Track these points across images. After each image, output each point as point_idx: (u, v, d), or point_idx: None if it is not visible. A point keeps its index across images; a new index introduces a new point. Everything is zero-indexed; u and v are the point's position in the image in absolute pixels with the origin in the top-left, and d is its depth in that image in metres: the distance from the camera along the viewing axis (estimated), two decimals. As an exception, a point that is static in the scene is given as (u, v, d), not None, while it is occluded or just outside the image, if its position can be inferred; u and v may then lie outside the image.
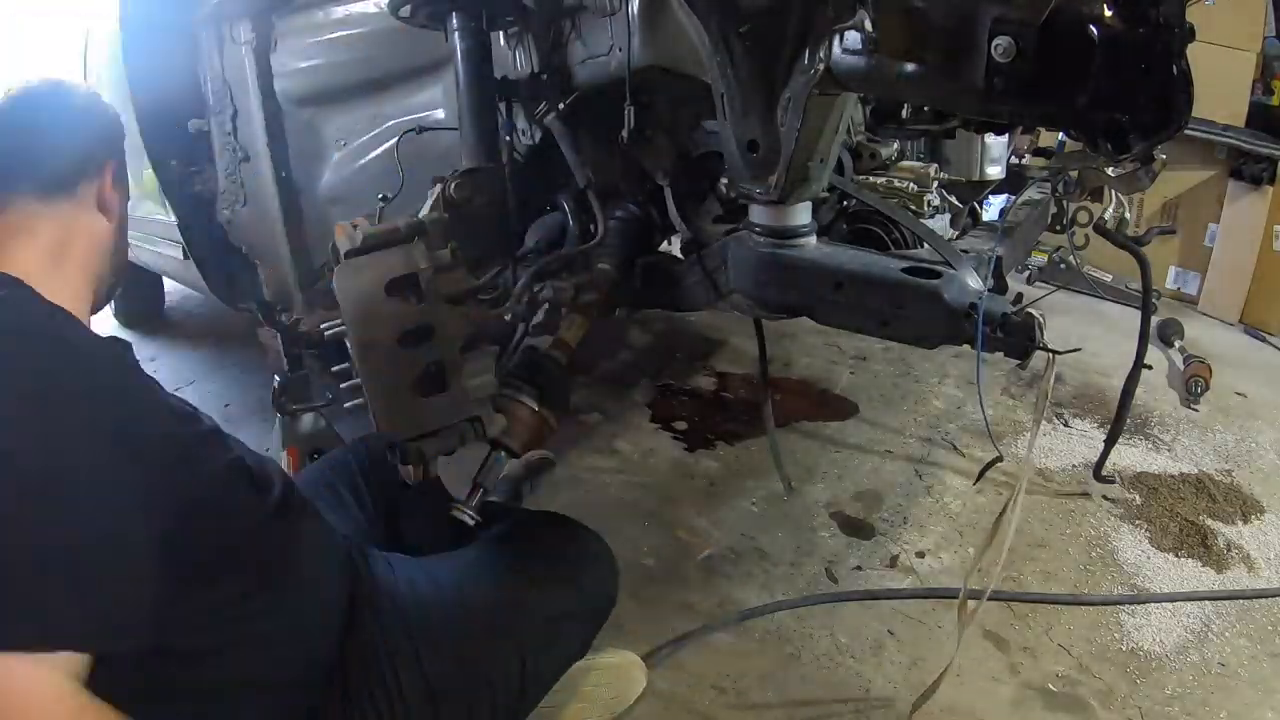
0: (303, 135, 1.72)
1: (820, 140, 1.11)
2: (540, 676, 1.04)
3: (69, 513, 0.63)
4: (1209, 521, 1.80)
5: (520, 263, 1.44)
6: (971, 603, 1.13)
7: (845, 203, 1.55)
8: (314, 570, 0.90)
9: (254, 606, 0.80)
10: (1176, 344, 2.63)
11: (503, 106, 1.42)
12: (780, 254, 1.26)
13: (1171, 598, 1.58)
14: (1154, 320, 1.94)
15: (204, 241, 1.81)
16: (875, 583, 1.64)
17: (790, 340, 2.72)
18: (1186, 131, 0.94)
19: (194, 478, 0.75)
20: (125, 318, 3.69)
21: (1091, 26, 0.77)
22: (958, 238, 1.92)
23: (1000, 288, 1.56)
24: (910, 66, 0.90)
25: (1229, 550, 1.71)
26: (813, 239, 1.28)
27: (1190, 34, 0.78)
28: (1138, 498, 1.89)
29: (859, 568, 1.69)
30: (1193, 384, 2.31)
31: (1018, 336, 1.07)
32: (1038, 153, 2.23)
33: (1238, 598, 1.58)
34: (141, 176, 1.93)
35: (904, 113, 1.38)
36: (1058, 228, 1.71)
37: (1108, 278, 3.17)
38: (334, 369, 1.13)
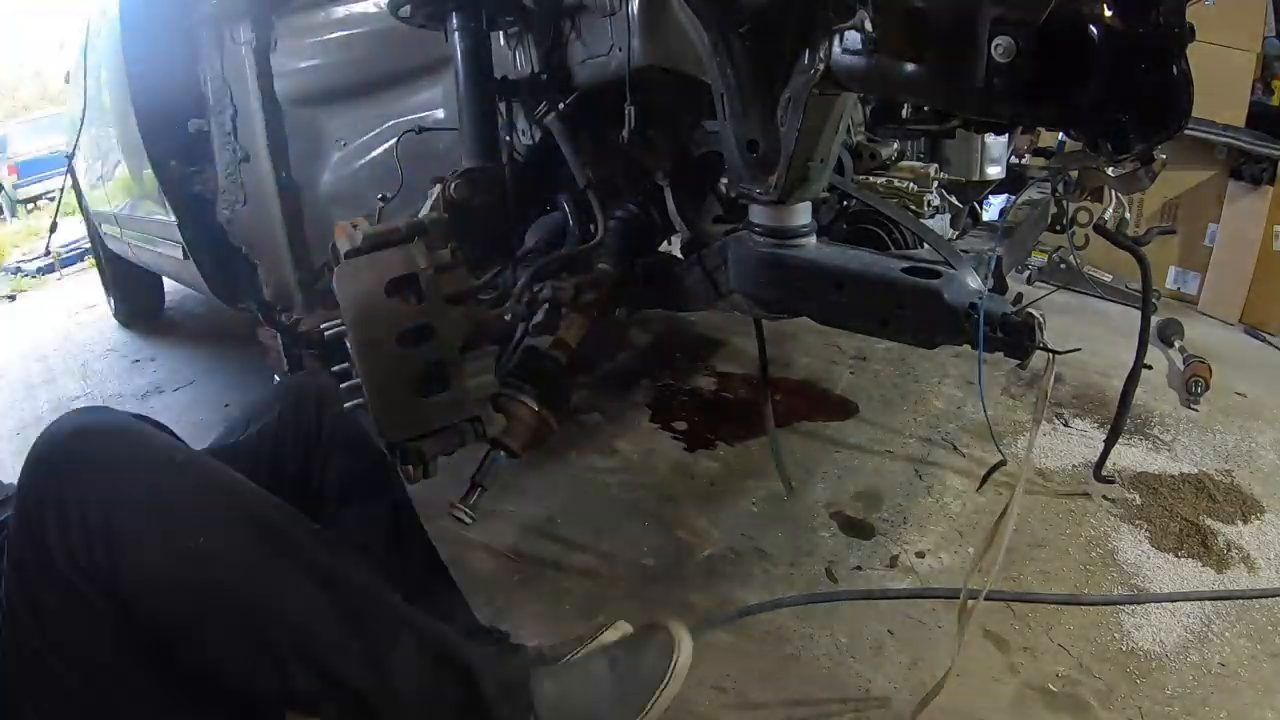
0: (303, 135, 1.72)
1: (820, 140, 1.11)
2: None
3: None
4: (1209, 521, 1.80)
5: (520, 263, 1.44)
6: (971, 602, 1.13)
7: (845, 203, 1.55)
8: None
9: None
10: (1176, 344, 2.63)
11: (503, 106, 1.42)
12: (780, 254, 1.26)
13: (1171, 598, 1.58)
14: (1154, 320, 1.94)
15: (204, 241, 1.82)
16: (875, 583, 1.64)
17: (790, 340, 2.73)
18: (1186, 131, 0.94)
19: None
20: (125, 318, 3.70)
21: (1091, 26, 0.77)
22: (958, 238, 1.91)
23: (1000, 288, 1.56)
24: (910, 66, 0.90)
25: (1229, 550, 1.71)
26: (813, 239, 1.28)
27: (1190, 34, 0.78)
28: (1138, 498, 1.89)
29: (859, 568, 1.69)
30: (1193, 384, 2.31)
31: (1018, 336, 1.07)
32: (1038, 153, 2.23)
33: (1238, 598, 1.58)
34: (141, 176, 1.94)
35: (904, 113, 1.38)
36: (1058, 228, 1.71)
37: (1108, 278, 3.17)
38: (334, 369, 1.13)
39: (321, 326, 1.06)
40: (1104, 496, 1.89)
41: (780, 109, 1.06)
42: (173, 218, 1.80)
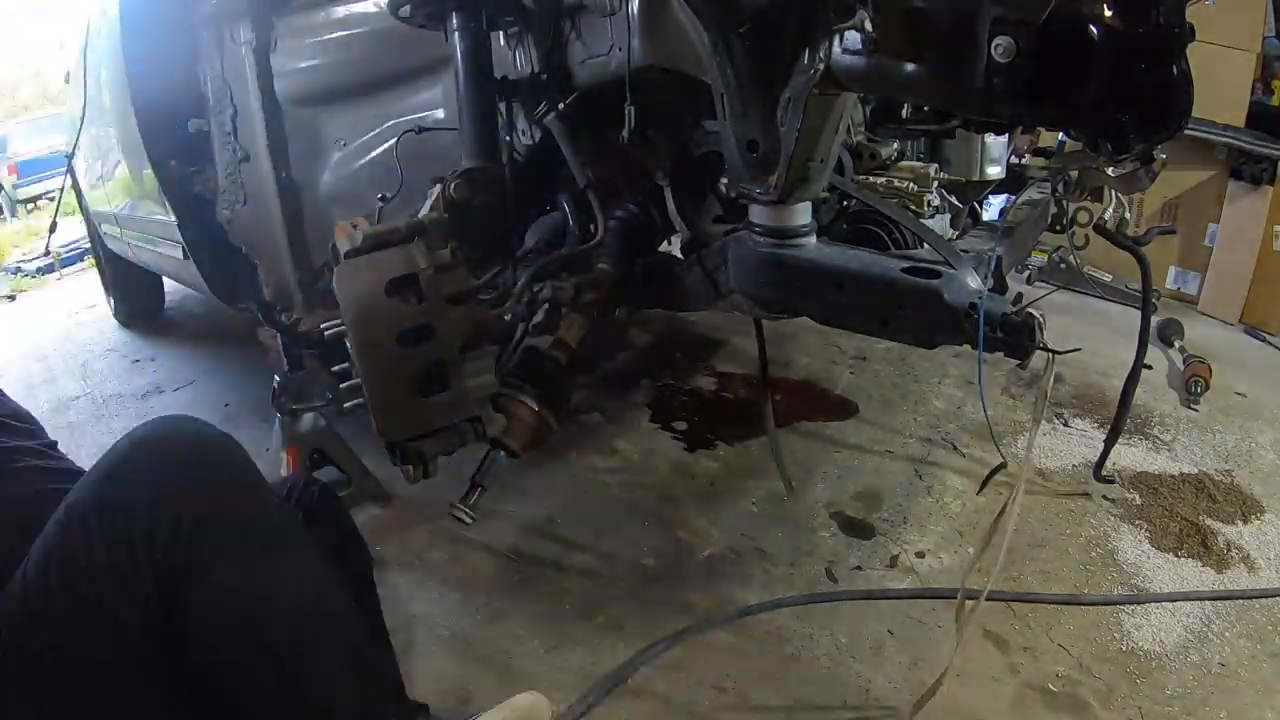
0: (303, 135, 1.72)
1: (820, 140, 1.11)
2: None
3: None
4: (1209, 521, 1.80)
5: (520, 263, 1.44)
6: (970, 602, 1.13)
7: (845, 203, 1.55)
8: None
9: None
10: (1176, 344, 2.63)
11: (503, 106, 1.42)
12: (780, 254, 1.26)
13: (1171, 598, 1.58)
14: (1154, 320, 1.94)
15: (204, 241, 1.81)
16: (875, 583, 1.64)
17: (790, 340, 2.73)
18: (1186, 131, 0.94)
19: None
20: (125, 318, 3.70)
21: (1091, 26, 0.77)
22: (958, 238, 1.91)
23: (1000, 288, 1.56)
24: (910, 66, 0.90)
25: (1229, 550, 1.71)
26: (813, 239, 1.28)
27: (1190, 34, 0.78)
28: (1138, 498, 1.89)
29: (859, 568, 1.69)
30: (1193, 384, 2.31)
31: (1018, 336, 1.07)
32: (1038, 153, 2.23)
33: (1238, 598, 1.58)
34: (141, 176, 1.94)
35: (904, 113, 1.38)
36: (1058, 228, 1.71)
37: (1108, 278, 3.17)
38: (334, 369, 1.13)
39: (321, 326, 1.06)
40: (1104, 496, 1.89)
41: (780, 109, 1.06)
42: (173, 218, 1.80)
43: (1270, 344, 2.82)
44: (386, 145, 1.65)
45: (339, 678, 0.92)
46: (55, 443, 1.13)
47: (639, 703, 1.36)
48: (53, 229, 3.57)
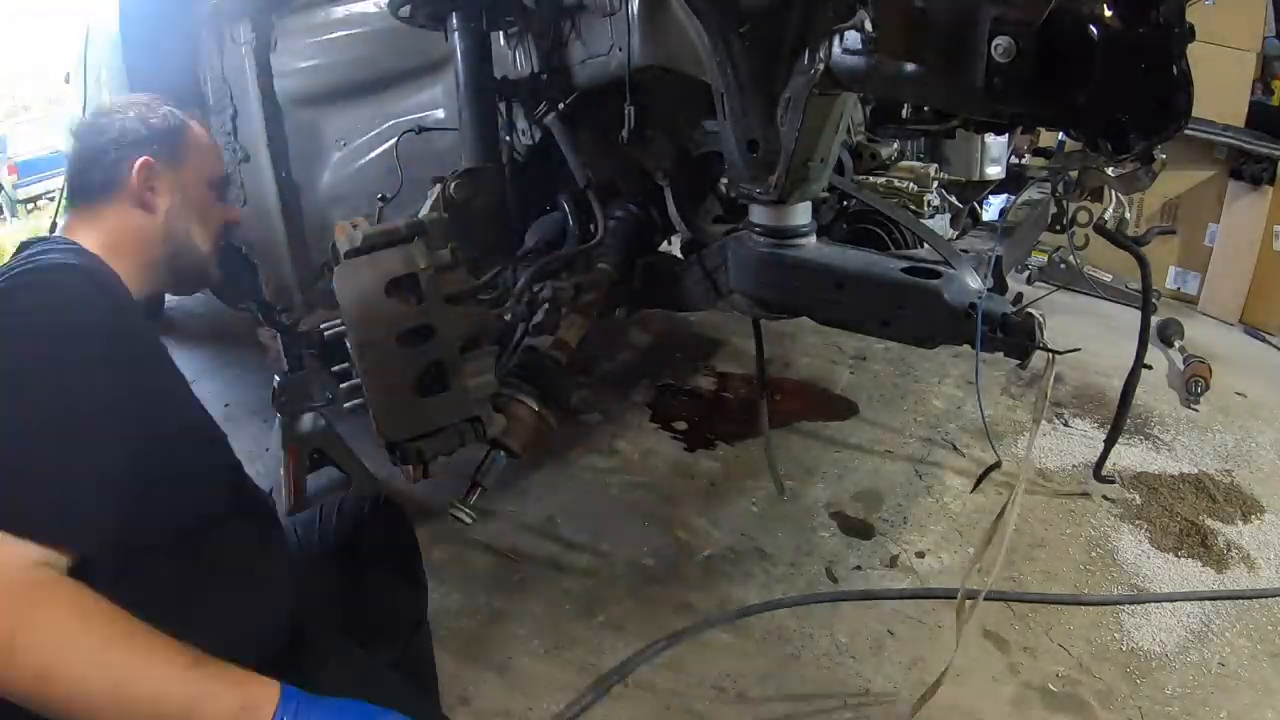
0: (303, 135, 1.72)
1: (820, 140, 1.11)
2: None
3: (62, 419, 0.73)
4: (1209, 521, 1.80)
5: (520, 263, 1.43)
6: (970, 602, 1.13)
7: (845, 203, 1.55)
8: (266, 572, 0.94)
9: (198, 586, 0.86)
10: (1176, 344, 2.63)
11: (503, 106, 1.42)
12: (780, 254, 1.26)
13: (1171, 598, 1.58)
14: (1154, 320, 1.94)
15: (204, 241, 1.81)
16: (875, 583, 1.64)
17: (790, 340, 2.72)
18: (1186, 131, 0.94)
19: (180, 437, 0.87)
20: (125, 317, 3.69)
21: (1091, 26, 0.77)
22: (958, 238, 1.91)
23: (1000, 288, 1.56)
24: (910, 66, 0.90)
25: (1229, 550, 1.71)
26: (813, 239, 1.28)
27: (1190, 34, 0.78)
28: (1138, 498, 1.89)
29: (859, 568, 1.69)
30: (1193, 384, 2.31)
31: (1018, 336, 1.07)
32: (1038, 153, 2.23)
33: (1238, 598, 1.58)
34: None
35: (904, 113, 1.38)
36: (1058, 228, 1.71)
37: (1108, 278, 3.17)
38: (334, 369, 1.13)
39: (321, 326, 1.06)
40: (1104, 496, 1.89)
41: (780, 109, 1.06)
42: (173, 218, 1.80)
43: (1270, 344, 2.82)
44: (386, 145, 1.65)
45: None
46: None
47: (639, 702, 1.36)
48: (53, 229, 3.58)
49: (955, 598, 1.27)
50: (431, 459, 1.10)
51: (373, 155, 1.69)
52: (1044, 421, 1.73)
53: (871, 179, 1.67)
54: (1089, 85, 0.79)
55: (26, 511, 0.68)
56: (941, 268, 1.17)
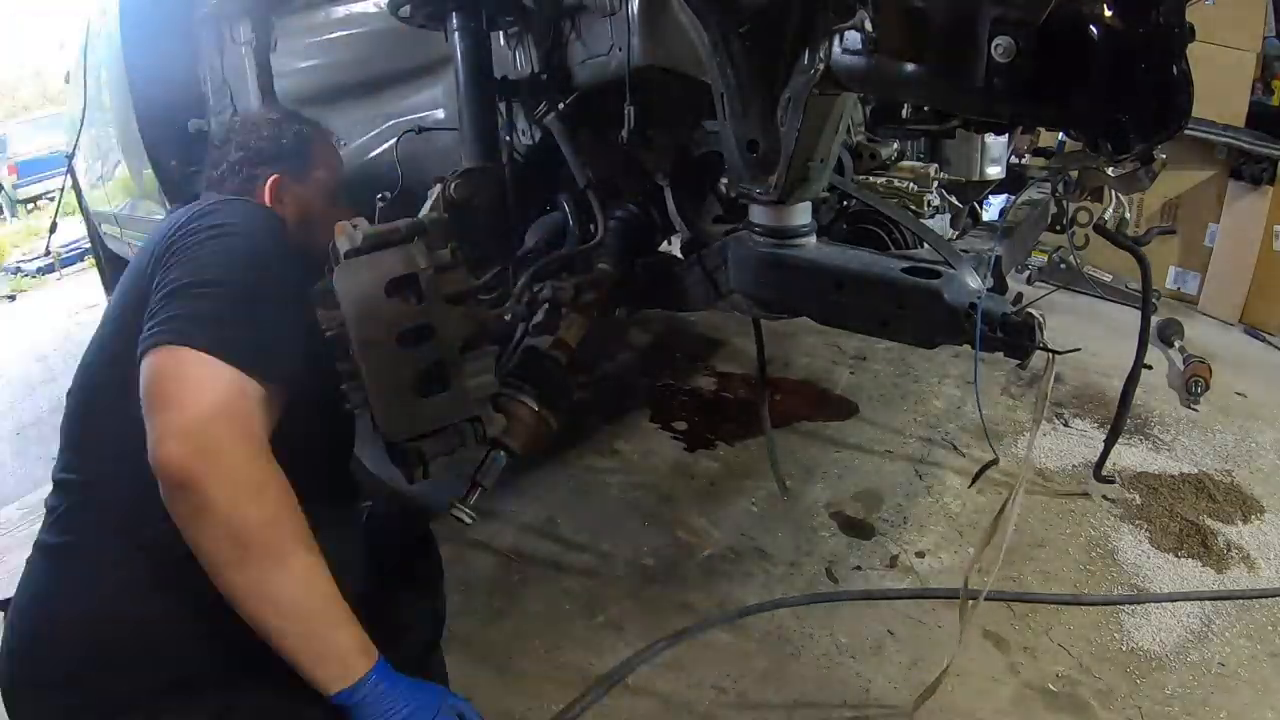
0: (303, 135, 1.72)
1: (820, 140, 1.11)
2: None
3: (275, 292, 0.96)
4: (1209, 521, 1.80)
5: (520, 263, 1.43)
6: (970, 602, 1.13)
7: (845, 203, 1.55)
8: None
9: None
10: (1176, 344, 2.63)
11: (503, 106, 1.42)
12: (780, 254, 1.26)
13: (1171, 598, 1.58)
14: (1154, 320, 1.94)
15: (204, 241, 1.81)
16: (875, 583, 1.64)
17: (790, 340, 2.72)
18: (1186, 131, 0.94)
19: (328, 378, 1.00)
20: (125, 317, 3.68)
21: (1091, 26, 0.77)
22: (958, 238, 1.91)
23: (1000, 288, 1.56)
24: (910, 66, 0.89)
25: (1229, 550, 1.71)
26: (813, 239, 1.27)
27: (1190, 34, 0.78)
28: (1138, 498, 1.89)
29: (859, 568, 1.69)
30: (1193, 384, 2.31)
31: (1018, 336, 1.07)
32: (1038, 153, 2.23)
33: (1238, 598, 1.58)
34: (141, 176, 1.94)
35: (904, 113, 1.38)
36: (1058, 228, 1.71)
37: (1108, 278, 3.17)
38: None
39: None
40: (1104, 496, 1.89)
41: (780, 109, 1.06)
42: (173, 218, 1.80)
43: (1270, 344, 2.82)
44: (386, 145, 1.65)
45: None
46: None
47: (639, 702, 1.37)
48: (53, 229, 3.58)
49: (955, 598, 1.27)
50: (431, 459, 1.10)
51: (373, 155, 1.69)
52: (1044, 421, 1.73)
53: (871, 179, 1.67)
54: (1089, 85, 0.79)
55: (238, 343, 0.87)
56: (941, 268, 1.17)
